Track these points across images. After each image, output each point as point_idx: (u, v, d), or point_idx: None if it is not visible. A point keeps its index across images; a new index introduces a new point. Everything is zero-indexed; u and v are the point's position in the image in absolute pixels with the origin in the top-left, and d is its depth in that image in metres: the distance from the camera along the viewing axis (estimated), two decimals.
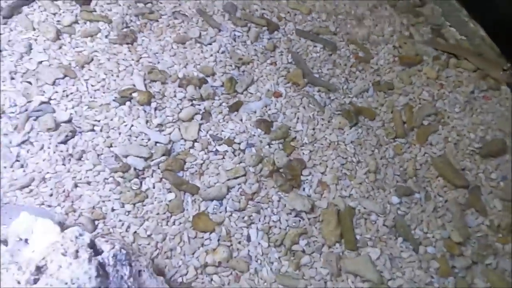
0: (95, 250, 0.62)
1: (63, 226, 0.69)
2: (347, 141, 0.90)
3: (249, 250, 0.76)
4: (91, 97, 0.93)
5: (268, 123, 0.91)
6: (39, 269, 0.57)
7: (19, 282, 0.58)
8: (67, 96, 0.92)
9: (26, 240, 0.65)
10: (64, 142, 0.85)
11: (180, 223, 0.78)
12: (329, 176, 0.84)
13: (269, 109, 0.93)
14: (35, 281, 0.55)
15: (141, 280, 0.64)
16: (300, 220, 0.79)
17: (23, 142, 0.85)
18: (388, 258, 0.75)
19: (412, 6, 1.19)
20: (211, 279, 0.73)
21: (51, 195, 0.79)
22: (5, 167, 0.80)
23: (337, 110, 0.94)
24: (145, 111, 0.91)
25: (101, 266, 0.60)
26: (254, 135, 0.89)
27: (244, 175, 0.83)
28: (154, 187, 0.81)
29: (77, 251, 0.59)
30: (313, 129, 0.91)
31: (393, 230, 0.79)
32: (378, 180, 0.85)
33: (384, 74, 1.03)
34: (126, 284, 0.60)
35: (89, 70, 0.97)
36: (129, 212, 0.78)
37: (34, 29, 1.01)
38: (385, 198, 0.83)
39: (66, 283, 0.54)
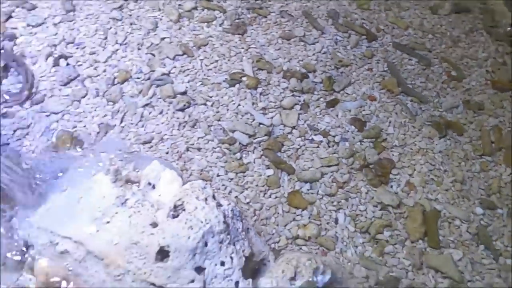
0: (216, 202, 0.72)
1: (182, 179, 0.79)
2: (436, 150, 0.95)
3: (336, 232, 0.83)
4: (204, 75, 1.04)
5: (362, 122, 0.98)
6: (176, 208, 0.66)
7: (155, 216, 0.68)
8: (184, 71, 1.04)
9: (153, 186, 0.75)
10: (181, 110, 0.97)
11: (276, 197, 0.86)
12: (417, 179, 0.90)
13: (364, 110, 1.01)
14: (174, 216, 0.65)
15: (249, 236, 0.72)
16: (386, 213, 0.85)
17: (146, 105, 0.97)
18: (469, 262, 0.80)
19: (508, 35, 1.23)
20: (300, 248, 0.80)
21: (167, 153, 0.90)
22: (131, 124, 0.93)
23: (427, 121, 1.00)
24: (251, 94, 1.01)
25: (224, 215, 0.68)
26: (348, 131, 0.97)
27: (337, 165, 0.91)
28: (254, 162, 0.91)
29: (206, 199, 0.68)
30: (404, 134, 0.97)
31: (476, 237, 0.84)
32: (463, 190, 0.90)
33: (475, 94, 1.08)
34: (240, 236, 0.69)
35: (204, 51, 1.09)
36: (231, 179, 0.88)
37: (159, 10, 1.15)
38: (469, 207, 0.88)
39: (202, 222, 0.63)
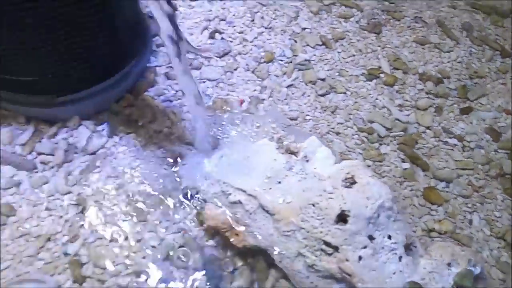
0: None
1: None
2: None
3: (471, 232, 0.85)
4: (342, 67, 1.09)
5: (497, 133, 1.00)
6: (346, 180, 0.70)
7: (323, 184, 0.72)
8: (323, 60, 1.09)
9: (307, 160, 0.80)
10: (323, 95, 1.02)
11: (412, 189, 0.89)
12: None
13: (499, 122, 1.02)
14: (347, 186, 0.69)
15: (401, 218, 0.75)
16: None
17: (290, 86, 1.03)
18: None
19: None
20: (432, 240, 0.83)
21: (310, 131, 0.95)
22: (278, 100, 0.98)
23: None
24: (388, 91, 1.04)
25: None
26: (482, 139, 0.98)
27: (472, 169, 0.93)
28: (390, 154, 0.94)
29: (370, 176, 0.72)
30: None
31: None
32: None
33: None
34: (397, 216, 0.72)
35: (342, 45, 1.14)
36: (369, 166, 0.92)
37: (301, 1, 1.21)
38: None
39: (376, 195, 0.67)
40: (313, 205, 0.68)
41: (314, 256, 0.67)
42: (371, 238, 0.66)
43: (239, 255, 0.77)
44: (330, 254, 0.66)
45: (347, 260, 0.64)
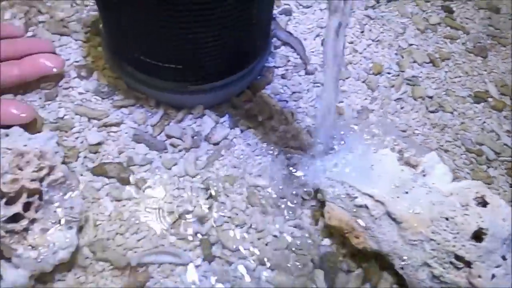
0: None
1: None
2: None
3: None
4: (449, 87, 1.10)
5: None
6: (476, 199, 0.72)
7: (448, 199, 0.74)
8: (429, 78, 1.11)
9: (424, 175, 0.81)
10: (432, 112, 1.03)
11: None
12: None
13: None
14: (478, 205, 0.70)
15: None
16: None
17: (398, 99, 1.05)
18: None
19: None
20: None
21: (420, 144, 0.96)
22: (388, 112, 1.01)
23: None
24: (496, 116, 1.04)
25: None
26: None
27: None
28: (499, 178, 0.94)
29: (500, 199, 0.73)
30: None
31: None
32: None
33: None
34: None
35: (448, 65, 1.14)
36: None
37: (408, 17, 1.23)
38: None
39: (508, 218, 0.67)
40: (447, 219, 0.69)
41: (442, 268, 0.69)
42: (504, 258, 0.67)
43: (353, 256, 0.80)
44: (459, 268, 0.68)
45: (479, 276, 0.65)
